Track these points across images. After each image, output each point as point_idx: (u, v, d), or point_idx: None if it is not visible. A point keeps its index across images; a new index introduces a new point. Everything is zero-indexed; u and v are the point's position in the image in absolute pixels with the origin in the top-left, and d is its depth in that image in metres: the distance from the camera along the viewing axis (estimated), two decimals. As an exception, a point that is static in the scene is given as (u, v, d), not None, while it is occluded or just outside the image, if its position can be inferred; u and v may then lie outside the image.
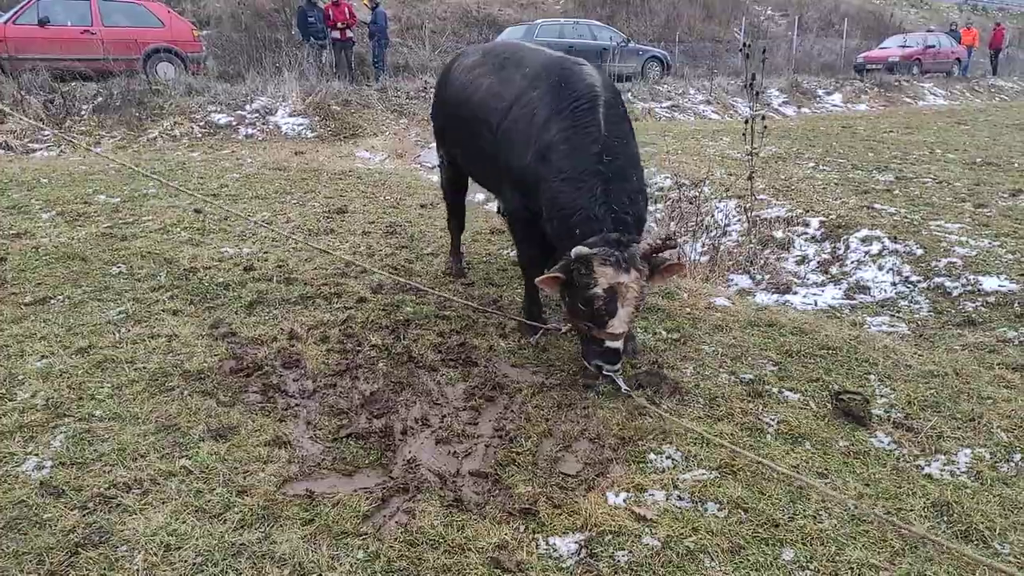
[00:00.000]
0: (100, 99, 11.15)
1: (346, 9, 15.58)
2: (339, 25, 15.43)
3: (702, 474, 2.57)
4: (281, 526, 2.29)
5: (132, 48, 13.05)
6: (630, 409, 3.01)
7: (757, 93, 6.32)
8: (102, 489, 2.42)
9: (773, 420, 2.93)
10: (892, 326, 4.40)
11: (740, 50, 7.48)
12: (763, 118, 6.31)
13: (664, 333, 3.81)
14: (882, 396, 3.16)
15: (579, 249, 2.96)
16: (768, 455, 2.68)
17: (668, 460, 2.66)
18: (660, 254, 3.07)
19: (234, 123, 11.31)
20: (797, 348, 3.63)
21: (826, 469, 2.62)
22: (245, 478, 2.52)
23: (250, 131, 11.22)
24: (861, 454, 2.72)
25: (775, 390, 3.19)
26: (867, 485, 2.54)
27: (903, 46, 23.87)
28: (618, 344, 3.06)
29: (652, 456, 2.68)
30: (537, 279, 3.16)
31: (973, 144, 10.03)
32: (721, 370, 3.38)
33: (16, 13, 12.92)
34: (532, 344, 3.68)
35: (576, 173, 3.17)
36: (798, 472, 2.58)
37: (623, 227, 3.08)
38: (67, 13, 13.16)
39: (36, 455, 2.60)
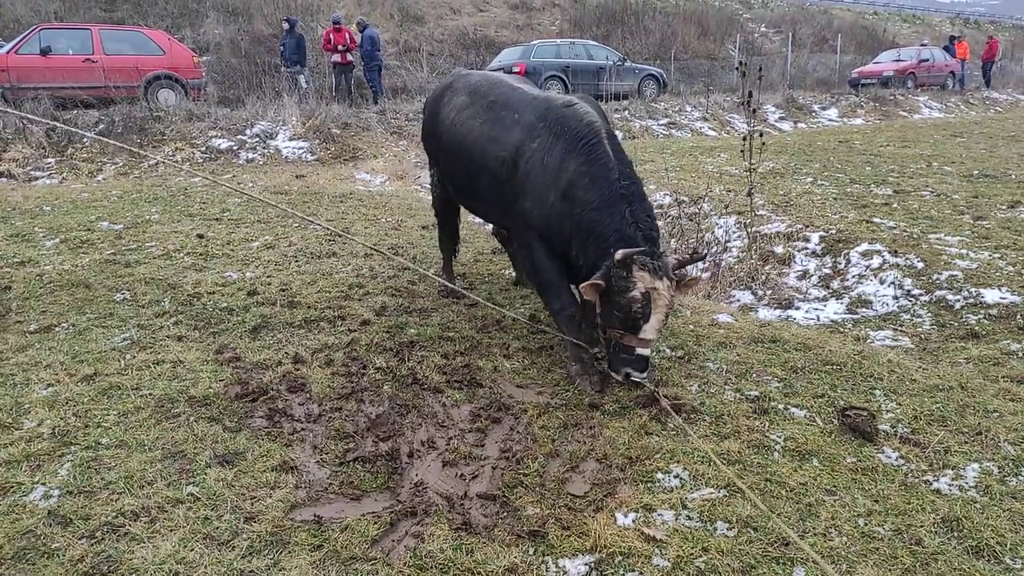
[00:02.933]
0: (102, 126, 11.23)
1: (347, 33, 15.73)
2: (339, 48, 15.57)
3: (711, 493, 2.56)
4: (290, 552, 2.28)
5: (133, 75, 13.16)
6: (636, 428, 3.01)
7: (754, 110, 6.37)
8: (110, 518, 2.42)
9: (780, 437, 2.93)
10: (895, 340, 4.40)
11: (736, 68, 7.55)
12: (761, 134, 6.36)
13: (668, 351, 3.82)
14: (888, 411, 3.16)
15: (622, 252, 3.13)
16: (776, 472, 2.68)
17: (676, 479, 2.66)
18: (684, 268, 3.29)
19: (235, 148, 11.37)
20: (801, 364, 3.63)
21: (834, 486, 2.61)
22: (253, 504, 2.51)
23: (251, 155, 11.28)
24: (869, 470, 2.71)
25: (781, 407, 3.18)
26: (876, 501, 2.53)
27: (897, 60, 24.06)
28: (647, 352, 3.23)
29: (660, 475, 2.67)
30: (581, 285, 3.26)
31: (970, 156, 10.08)
32: (726, 387, 3.38)
33: (18, 43, 13.06)
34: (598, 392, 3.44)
35: (603, 201, 3.37)
36: (807, 489, 2.57)
37: (651, 243, 3.30)
38: (69, 42, 13.29)
39: (43, 484, 2.60)
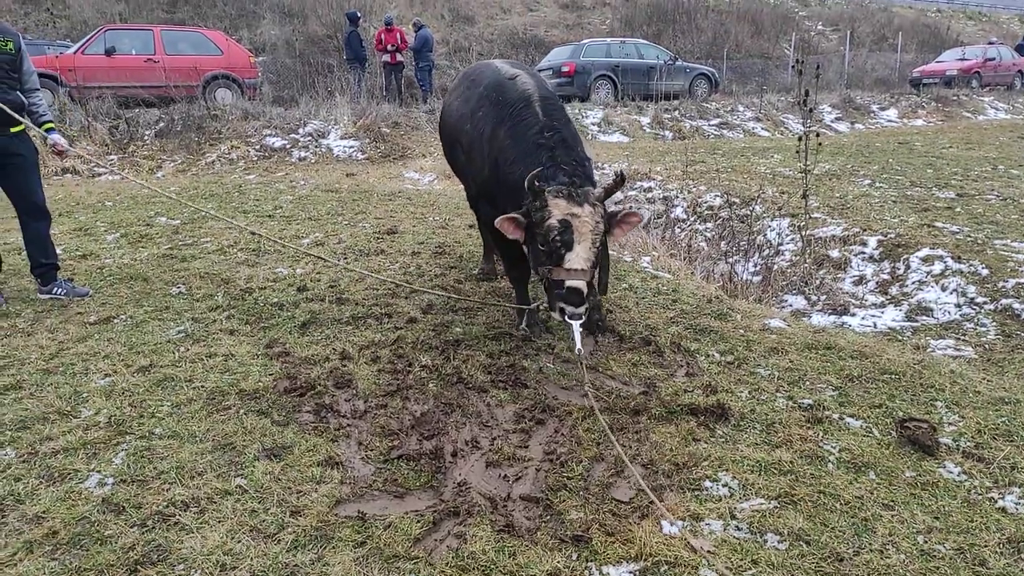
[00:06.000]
0: (162, 124, 11.59)
1: (398, 34, 15.90)
2: (389, 48, 15.75)
3: (761, 503, 2.49)
4: (334, 548, 2.30)
5: (192, 75, 13.54)
6: (683, 434, 2.95)
7: (811, 109, 6.21)
8: (161, 507, 2.47)
9: (834, 448, 2.83)
10: (958, 350, 4.23)
11: (792, 67, 7.39)
12: (817, 135, 6.19)
13: (718, 356, 3.73)
14: (950, 424, 3.03)
15: (529, 176, 3.13)
16: (830, 484, 2.59)
17: (725, 488, 2.59)
18: (615, 201, 3.22)
19: (288, 146, 11.60)
20: (858, 372, 3.51)
21: (892, 501, 2.51)
22: (299, 498, 2.54)
23: (303, 154, 11.49)
24: (929, 485, 2.60)
25: (836, 416, 3.08)
26: (936, 519, 2.42)
27: (961, 59, 23.19)
28: (579, 283, 3.11)
29: (708, 483, 2.61)
30: (497, 219, 3.28)
31: (1039, 159, 9.64)
32: (778, 395, 3.29)
33: (85, 44, 13.57)
34: (526, 333, 3.91)
35: (521, 153, 3.40)
36: (863, 503, 2.48)
37: (576, 178, 3.26)
38: (132, 43, 13.75)
39: (99, 472, 2.67)
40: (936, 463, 2.74)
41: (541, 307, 3.60)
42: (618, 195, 3.27)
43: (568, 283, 3.10)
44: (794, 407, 3.17)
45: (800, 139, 5.99)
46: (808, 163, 6.03)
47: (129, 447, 2.83)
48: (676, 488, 2.60)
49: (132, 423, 3.02)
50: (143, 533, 2.34)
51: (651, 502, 2.51)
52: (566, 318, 3.15)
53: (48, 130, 4.56)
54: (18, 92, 4.39)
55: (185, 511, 2.45)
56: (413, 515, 2.48)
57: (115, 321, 4.18)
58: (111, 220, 6.74)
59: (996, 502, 2.52)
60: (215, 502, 2.50)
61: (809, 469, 2.69)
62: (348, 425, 3.07)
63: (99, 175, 10.08)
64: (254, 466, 2.72)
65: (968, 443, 2.87)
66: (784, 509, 2.46)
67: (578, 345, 3.17)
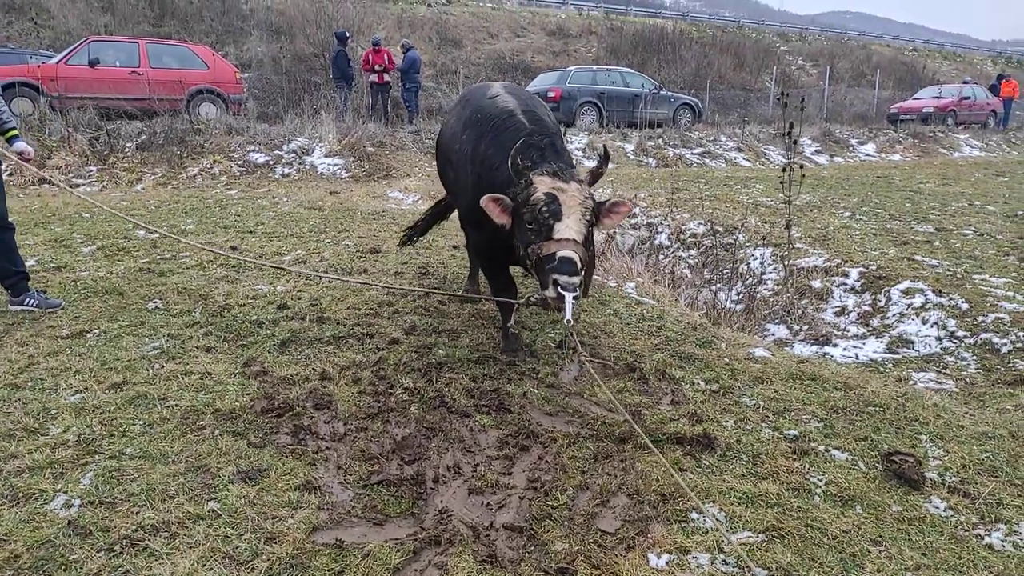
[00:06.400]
0: (144, 137, 11.44)
1: (385, 55, 15.95)
2: (376, 68, 15.78)
3: (748, 536, 2.45)
4: (310, 577, 2.21)
5: (177, 89, 13.44)
6: (670, 464, 2.90)
7: (795, 141, 6.28)
8: (129, 531, 2.37)
9: (821, 480, 2.80)
10: (939, 383, 4.24)
11: (777, 99, 7.51)
12: (800, 167, 6.26)
13: (703, 384, 3.70)
14: (935, 458, 3.02)
15: (512, 152, 3.12)
16: (817, 518, 2.55)
17: (712, 520, 2.54)
18: (604, 183, 3.24)
19: (271, 162, 11.51)
20: (843, 404, 3.49)
21: (880, 535, 2.48)
22: (274, 524, 2.45)
23: (287, 170, 11.40)
24: (916, 520, 2.58)
25: (822, 448, 3.05)
26: (924, 555, 2.39)
27: (937, 97, 23.74)
28: (570, 253, 3.00)
29: (695, 515, 2.56)
30: (483, 198, 3.22)
31: (1013, 196, 9.85)
32: (764, 425, 3.26)
33: (68, 54, 13.43)
34: (511, 357, 3.90)
35: (506, 158, 3.27)
36: (850, 538, 2.45)
37: (561, 166, 3.25)
38: (116, 55, 13.64)
39: (65, 493, 2.57)
40: (922, 498, 2.72)
41: (531, 298, 3.48)
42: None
43: (560, 254, 3.00)
44: (780, 438, 3.14)
45: (784, 170, 6.05)
46: (791, 194, 6.08)
47: (98, 467, 2.73)
48: (663, 519, 2.55)
49: (102, 442, 2.91)
50: (110, 558, 2.24)
51: (637, 533, 2.46)
52: (559, 290, 3.00)
53: (12, 138, 4.45)
54: None
55: (155, 536, 2.35)
56: (393, 543, 2.40)
57: (88, 335, 4.07)
58: (88, 232, 6.61)
59: (983, 538, 2.50)
60: (186, 527, 2.41)
61: (796, 502, 2.65)
62: (327, 448, 2.99)
63: (77, 186, 9.92)
64: (228, 489, 2.62)
65: (953, 478, 2.86)
66: (771, 543, 2.42)
67: (567, 315, 3.00)
